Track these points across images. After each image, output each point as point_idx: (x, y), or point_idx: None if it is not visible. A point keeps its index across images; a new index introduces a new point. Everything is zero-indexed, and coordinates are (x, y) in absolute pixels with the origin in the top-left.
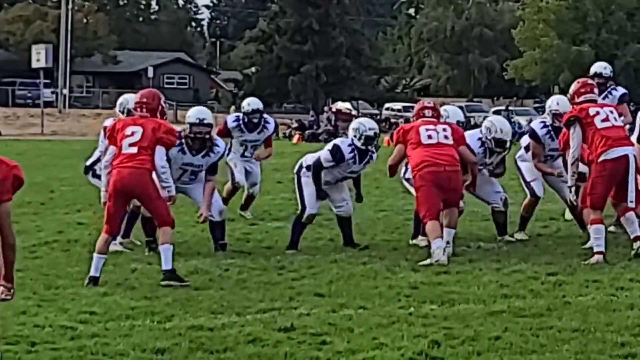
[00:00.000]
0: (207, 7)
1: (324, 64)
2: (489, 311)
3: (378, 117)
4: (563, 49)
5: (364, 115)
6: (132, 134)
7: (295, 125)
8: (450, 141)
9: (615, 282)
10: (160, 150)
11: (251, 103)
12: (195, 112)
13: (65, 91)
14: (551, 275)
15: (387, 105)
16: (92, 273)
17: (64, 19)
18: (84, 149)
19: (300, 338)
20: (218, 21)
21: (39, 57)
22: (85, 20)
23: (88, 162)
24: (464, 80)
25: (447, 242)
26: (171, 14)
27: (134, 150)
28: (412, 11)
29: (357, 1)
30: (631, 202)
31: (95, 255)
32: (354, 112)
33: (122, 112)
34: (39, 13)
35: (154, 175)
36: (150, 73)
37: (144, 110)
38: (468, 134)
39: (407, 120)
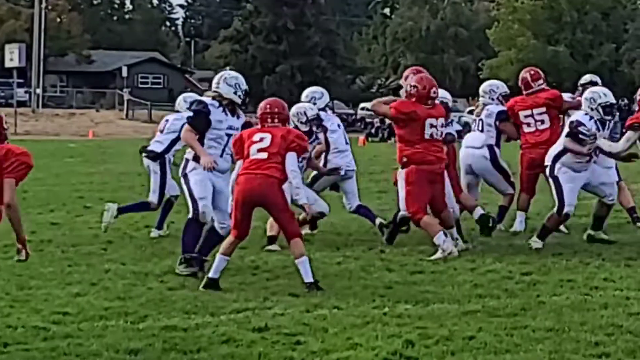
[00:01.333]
0: (181, 6)
1: (299, 63)
2: (464, 311)
3: (353, 117)
4: (538, 49)
5: (339, 115)
6: (261, 139)
7: None
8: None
9: (590, 281)
10: (291, 156)
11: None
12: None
13: (39, 91)
14: (525, 275)
15: (362, 105)
16: (211, 275)
17: (37, 18)
18: (58, 149)
19: (274, 338)
20: (192, 20)
21: (12, 56)
22: (58, 20)
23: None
24: (440, 80)
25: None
26: (145, 14)
27: (264, 155)
28: (387, 11)
29: (332, 1)
30: None
31: (218, 255)
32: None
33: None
34: (12, 12)
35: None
36: (125, 72)
37: (275, 120)
38: (577, 116)
39: (382, 121)
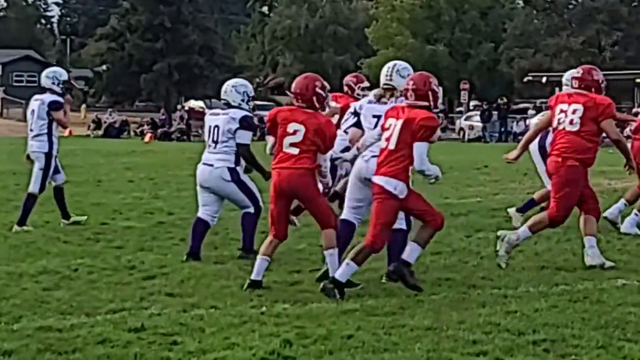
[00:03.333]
0: (57, 4)
1: (176, 62)
2: (342, 310)
3: None
4: (417, 48)
5: (217, 115)
6: (294, 132)
7: (147, 123)
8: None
9: (468, 280)
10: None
11: None
12: None
13: None
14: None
15: None
16: (253, 277)
17: None
18: None
19: (150, 338)
20: (68, 18)
21: None
22: None
23: None
24: None
25: None
26: (20, 11)
27: (295, 151)
28: (265, 9)
29: None
30: None
31: (258, 257)
32: (206, 111)
33: (57, 85)
34: None
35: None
36: None
37: (299, 101)
38: None
39: (260, 119)
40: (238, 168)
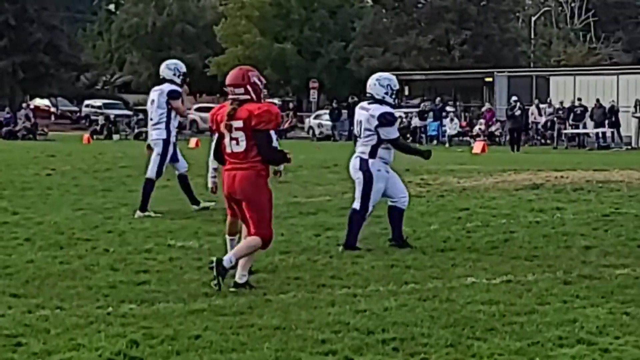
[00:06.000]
0: None
1: (21, 60)
2: (189, 310)
3: (78, 114)
4: (265, 46)
5: (63, 112)
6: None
7: None
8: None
9: (317, 279)
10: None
11: None
12: None
13: None
14: (252, 272)
15: (87, 102)
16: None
17: None
18: None
19: None
20: None
21: None
22: None
23: None
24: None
25: None
26: None
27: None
28: (112, 7)
29: None
30: None
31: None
32: (52, 109)
33: (178, 76)
34: None
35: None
36: None
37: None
38: None
39: (107, 118)
40: (371, 161)
